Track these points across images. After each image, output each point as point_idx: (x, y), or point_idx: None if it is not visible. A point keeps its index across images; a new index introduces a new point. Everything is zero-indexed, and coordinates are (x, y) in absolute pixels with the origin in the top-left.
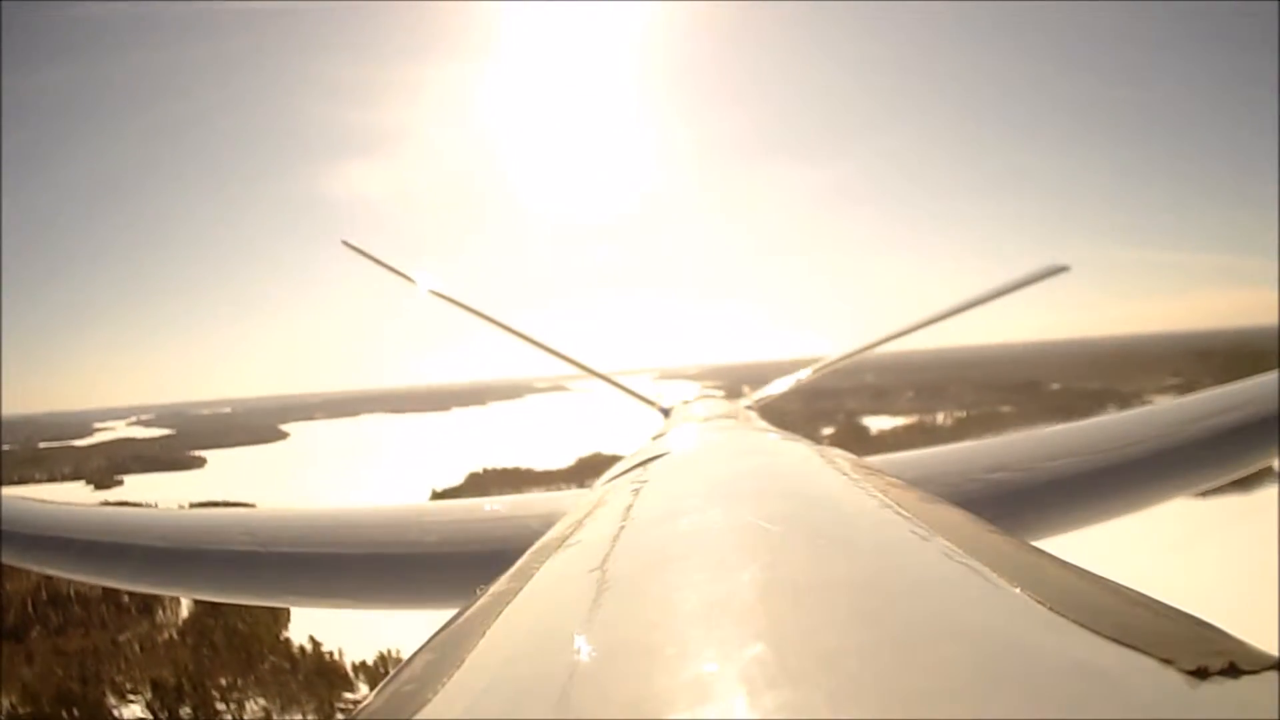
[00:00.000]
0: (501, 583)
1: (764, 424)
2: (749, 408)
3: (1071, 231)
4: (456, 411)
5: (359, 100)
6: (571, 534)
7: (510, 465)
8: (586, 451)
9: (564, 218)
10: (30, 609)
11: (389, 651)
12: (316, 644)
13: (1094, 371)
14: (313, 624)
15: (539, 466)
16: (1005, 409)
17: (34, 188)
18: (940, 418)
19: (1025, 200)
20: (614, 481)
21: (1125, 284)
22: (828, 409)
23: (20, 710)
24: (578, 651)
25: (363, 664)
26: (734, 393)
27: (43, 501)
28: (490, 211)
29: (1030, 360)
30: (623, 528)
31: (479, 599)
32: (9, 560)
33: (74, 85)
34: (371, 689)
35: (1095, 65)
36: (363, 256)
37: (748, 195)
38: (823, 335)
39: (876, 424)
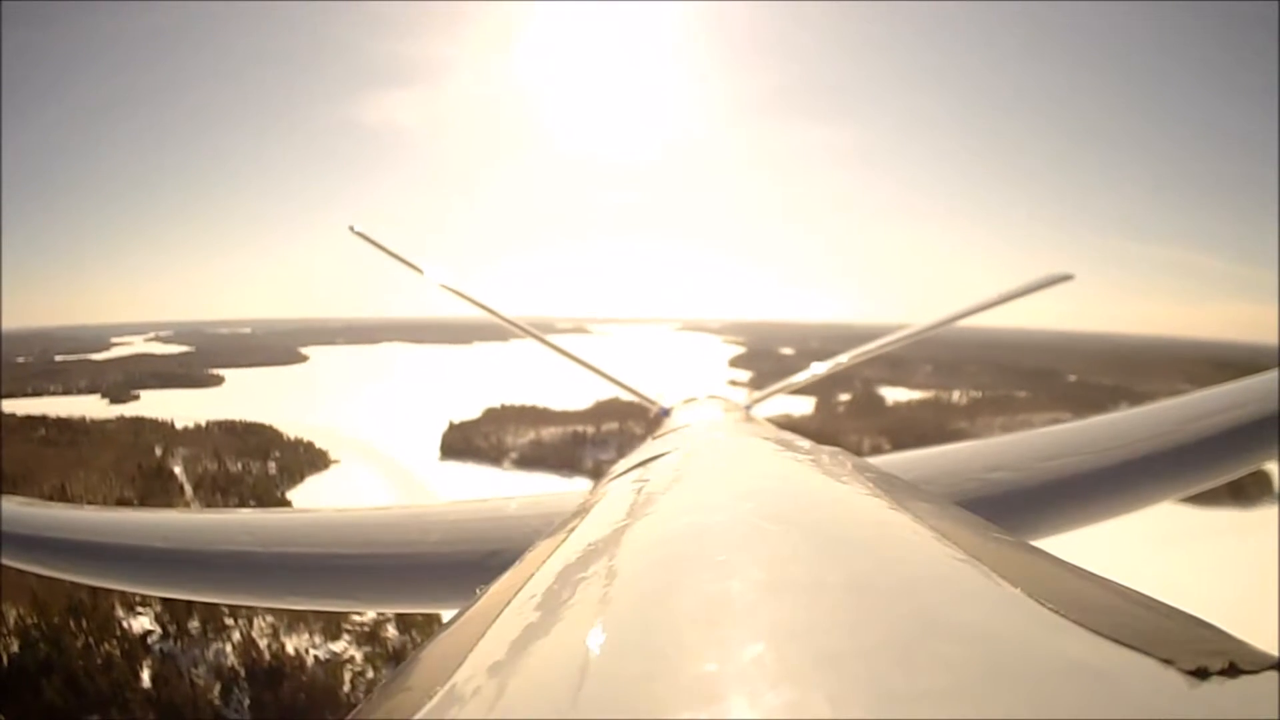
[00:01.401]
0: (501, 583)
1: (765, 424)
2: (750, 407)
3: (1097, 223)
4: (478, 345)
5: (398, 31)
6: (572, 534)
7: (528, 404)
8: (605, 395)
9: (592, 159)
10: None
11: None
12: None
13: (1111, 367)
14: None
15: (556, 406)
16: (1020, 394)
17: (61, 95)
18: (956, 396)
19: (1053, 185)
20: (615, 481)
21: (1150, 282)
22: (843, 376)
23: (29, 620)
24: (579, 651)
25: None
26: (734, 394)
27: (43, 502)
28: (521, 148)
29: (1050, 348)
30: (624, 527)
31: (479, 599)
32: (9, 561)
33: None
34: (376, 614)
35: (1141, 54)
36: (370, 244)
37: (776, 153)
38: (842, 299)
39: (893, 394)
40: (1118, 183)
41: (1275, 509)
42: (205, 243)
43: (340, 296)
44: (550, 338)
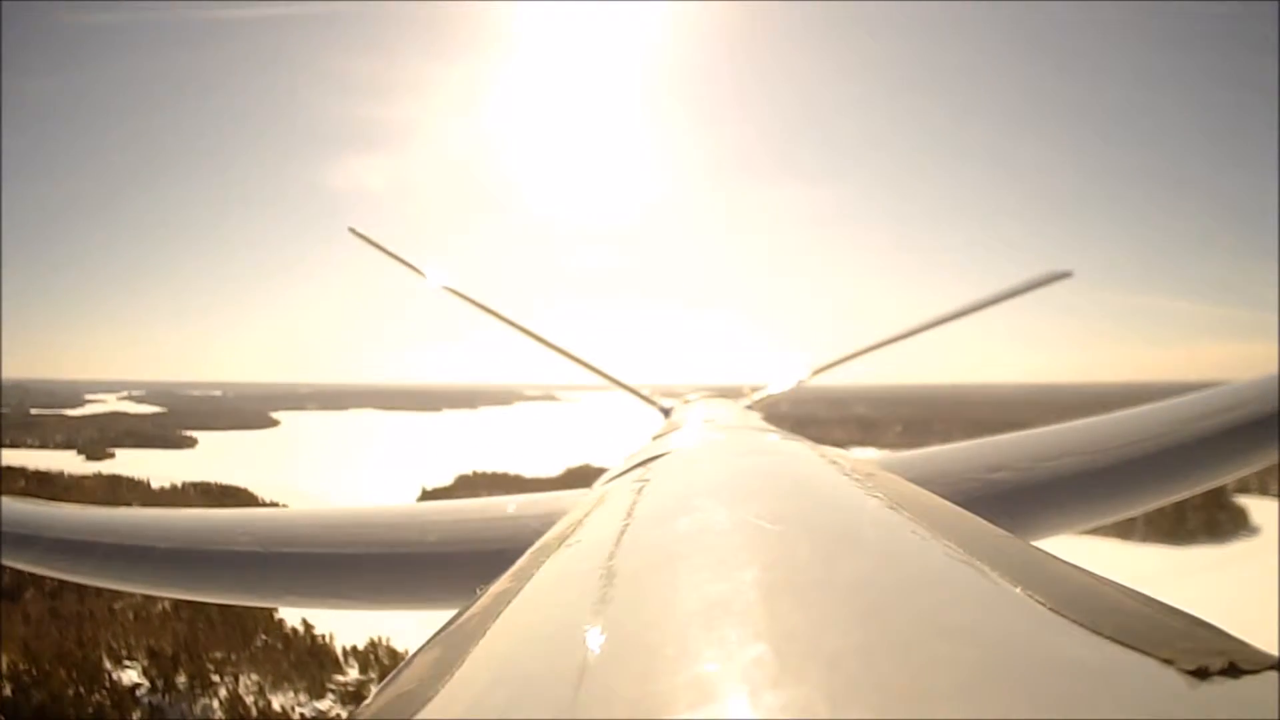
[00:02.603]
0: (501, 583)
1: (764, 424)
2: (749, 408)
3: (1072, 273)
4: (447, 413)
5: (366, 95)
6: (572, 534)
7: (500, 470)
8: (575, 462)
9: (562, 222)
10: (26, 571)
11: (379, 638)
12: (309, 626)
13: (1081, 416)
14: (304, 609)
15: (528, 474)
16: None
17: (36, 150)
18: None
19: (1025, 234)
20: (615, 481)
21: (1123, 329)
22: (814, 438)
23: (20, 666)
24: (579, 651)
25: (353, 648)
26: (735, 393)
27: (43, 502)
28: (488, 212)
29: (1020, 402)
30: (623, 527)
31: (479, 599)
32: (9, 561)
33: (84, 81)
34: (362, 673)
35: (1103, 100)
36: (370, 245)
37: (749, 209)
38: (822, 360)
39: (863, 456)
40: (1094, 239)
41: (1252, 542)
42: (175, 304)
43: (309, 362)
44: (519, 404)
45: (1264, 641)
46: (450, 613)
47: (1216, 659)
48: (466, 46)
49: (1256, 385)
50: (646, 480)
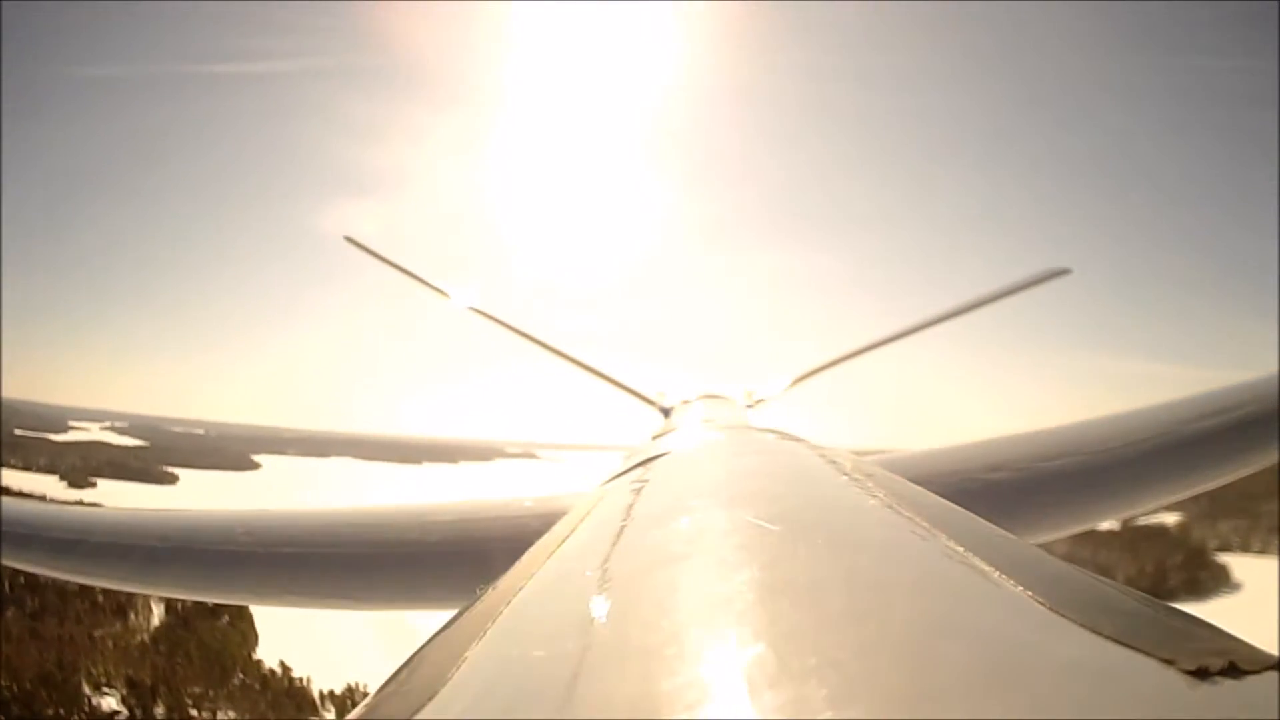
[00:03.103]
0: (501, 583)
1: (764, 424)
2: (749, 408)
3: (1054, 340)
4: (427, 466)
5: (356, 139)
6: (571, 534)
7: None
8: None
9: (549, 279)
10: (8, 589)
11: (356, 684)
12: (286, 668)
13: None
14: (281, 651)
15: None
16: None
17: (31, 182)
18: None
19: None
20: (614, 481)
21: (1115, 394)
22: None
23: (1, 683)
24: (578, 652)
25: (330, 693)
26: (734, 393)
27: (43, 502)
28: (477, 264)
29: None
30: (623, 528)
31: (479, 599)
32: (9, 561)
33: (79, 131)
34: (339, 718)
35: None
36: (368, 254)
37: (732, 274)
38: (809, 421)
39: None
40: (1082, 302)
41: (1234, 599)
42: (164, 339)
43: (292, 406)
44: (499, 461)
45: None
46: (450, 613)
47: (1216, 659)
48: (457, 95)
49: (1256, 385)
50: (646, 480)
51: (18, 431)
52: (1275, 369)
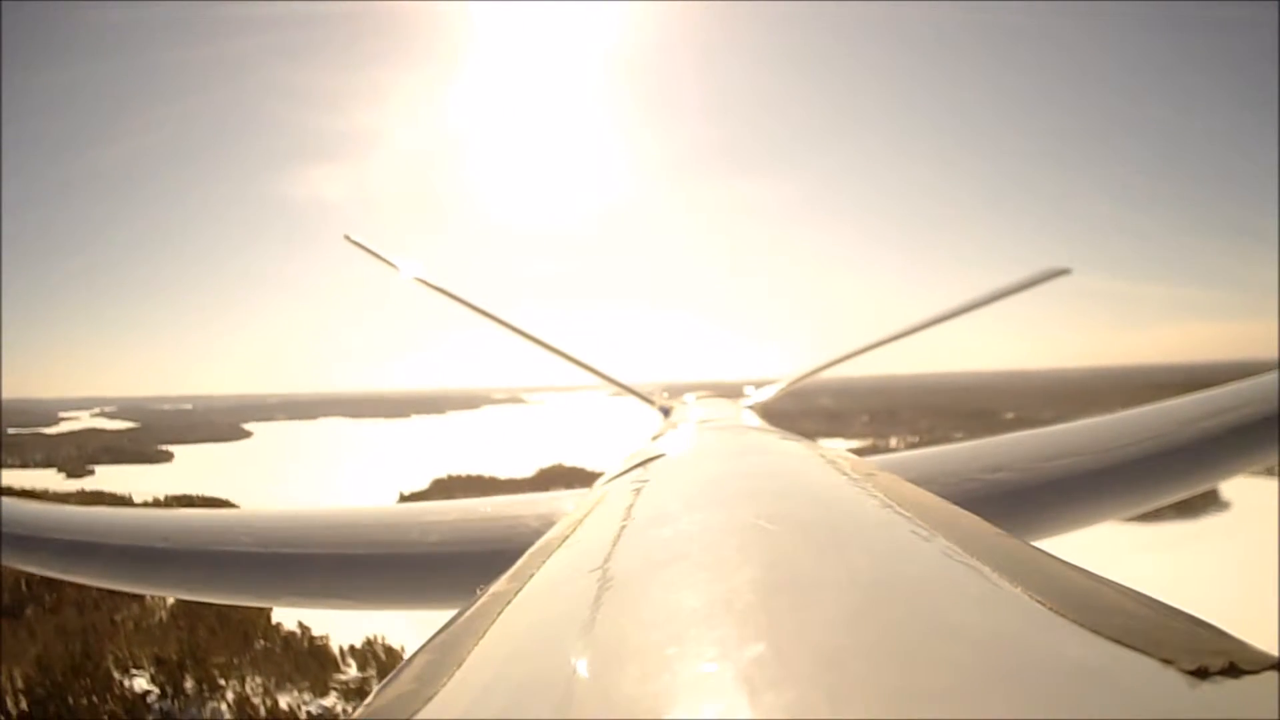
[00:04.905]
0: (501, 583)
1: (764, 424)
2: (749, 408)
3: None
4: (416, 419)
5: (322, 104)
6: (571, 534)
7: (474, 473)
8: (547, 462)
9: (525, 225)
10: (25, 588)
11: (375, 636)
12: (305, 628)
13: (1050, 402)
14: (298, 611)
15: (502, 475)
16: (958, 435)
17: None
18: (894, 442)
19: (999, 219)
20: (614, 481)
21: (1092, 315)
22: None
23: (35, 681)
24: (578, 652)
25: (350, 648)
26: (734, 392)
27: (43, 502)
28: (449, 218)
29: (987, 389)
30: (623, 528)
31: (479, 599)
32: (9, 562)
33: (49, 85)
34: (361, 671)
35: (1072, 83)
36: (366, 252)
37: (713, 206)
38: (791, 352)
39: (830, 445)
40: (1058, 220)
41: (1222, 517)
42: (140, 320)
43: (275, 372)
44: (486, 408)
45: (1261, 637)
46: (450, 613)
47: (1216, 659)
48: (423, 52)
49: (1256, 385)
50: (645, 480)
51: (10, 430)
52: (1275, 369)
